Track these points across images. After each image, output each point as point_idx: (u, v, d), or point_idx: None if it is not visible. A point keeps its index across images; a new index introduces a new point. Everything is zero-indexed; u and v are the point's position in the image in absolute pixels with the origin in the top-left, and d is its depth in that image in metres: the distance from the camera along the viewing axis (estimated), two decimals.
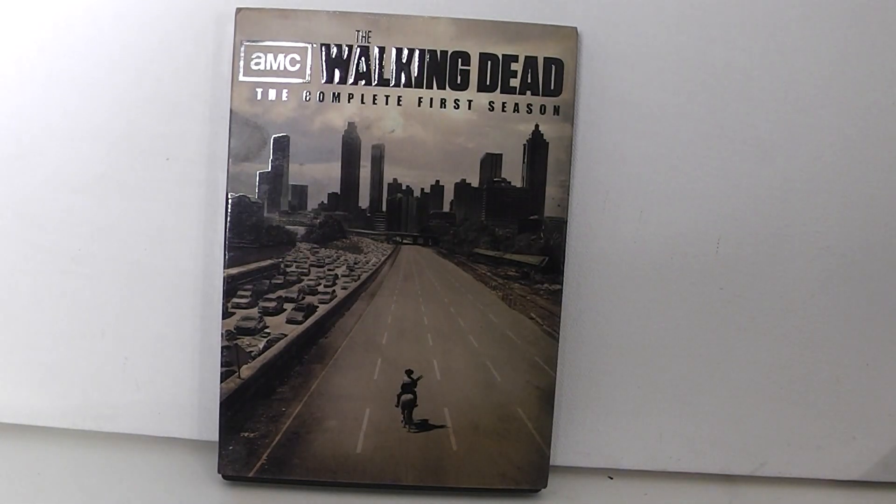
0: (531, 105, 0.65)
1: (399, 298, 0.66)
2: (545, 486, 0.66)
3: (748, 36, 0.66)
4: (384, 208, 0.65)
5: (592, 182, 0.67)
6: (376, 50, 0.64)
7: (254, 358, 0.65)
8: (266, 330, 0.65)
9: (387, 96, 0.64)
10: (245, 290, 0.65)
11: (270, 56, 0.64)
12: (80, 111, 0.67)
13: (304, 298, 0.66)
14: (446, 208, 0.66)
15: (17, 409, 0.70)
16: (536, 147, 0.65)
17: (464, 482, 0.65)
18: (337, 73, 0.64)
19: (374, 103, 0.64)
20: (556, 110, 0.65)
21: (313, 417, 0.65)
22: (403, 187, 0.65)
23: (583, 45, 0.66)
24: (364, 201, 0.65)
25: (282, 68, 0.64)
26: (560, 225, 0.66)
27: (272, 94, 0.64)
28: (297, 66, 0.64)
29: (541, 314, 0.66)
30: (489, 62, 0.64)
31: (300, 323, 0.66)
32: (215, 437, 0.65)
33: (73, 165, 0.67)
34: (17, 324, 0.69)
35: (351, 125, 0.64)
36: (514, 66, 0.64)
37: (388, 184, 0.65)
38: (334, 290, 0.67)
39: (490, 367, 0.66)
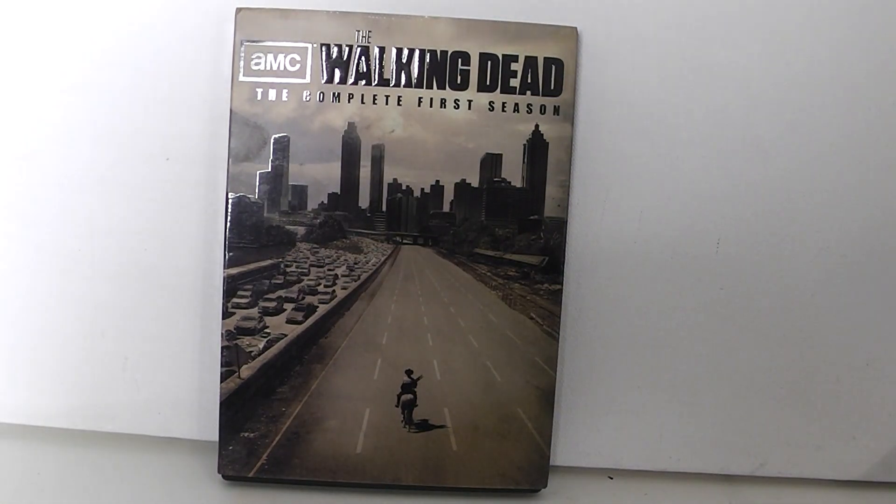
0: (531, 105, 0.65)
1: (399, 298, 0.66)
2: (545, 486, 0.66)
3: (748, 36, 0.66)
4: (384, 208, 0.65)
5: (592, 182, 0.67)
6: (376, 50, 0.64)
7: (254, 358, 0.65)
8: (266, 330, 0.65)
9: (387, 96, 0.64)
10: (245, 290, 0.65)
11: (270, 56, 0.64)
12: (80, 111, 0.67)
13: (304, 298, 0.66)
14: (446, 208, 0.66)
15: (17, 409, 0.70)
16: (536, 147, 0.65)
17: (464, 482, 0.65)
18: (337, 73, 0.64)
19: (374, 103, 0.64)
20: (556, 110, 0.65)
21: (313, 417, 0.65)
22: (403, 187, 0.65)
23: (583, 45, 0.66)
24: (364, 201, 0.65)
25: (282, 68, 0.64)
26: (560, 225, 0.66)
27: (272, 94, 0.64)
28: (297, 66, 0.64)
29: (541, 314, 0.66)
30: (489, 62, 0.64)
31: (300, 323, 0.66)
32: (215, 437, 0.65)
33: (73, 165, 0.67)
34: (17, 324, 0.69)
35: (351, 125, 0.64)
36: (514, 66, 0.64)
37: (388, 184, 0.65)
38: (334, 290, 0.67)
39: (490, 367, 0.66)
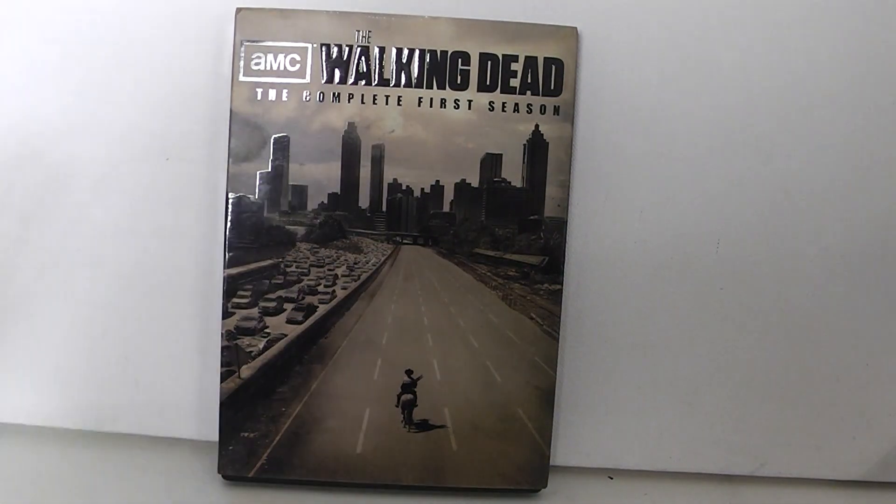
0: (531, 105, 0.65)
1: (399, 298, 0.66)
2: (545, 486, 0.66)
3: (748, 36, 0.66)
4: (384, 208, 0.65)
5: (592, 182, 0.67)
6: (376, 50, 0.64)
7: (254, 358, 0.65)
8: (266, 330, 0.65)
9: (387, 96, 0.64)
10: (245, 290, 0.65)
11: (270, 56, 0.64)
12: (80, 111, 0.67)
13: (304, 298, 0.66)
14: (446, 208, 0.66)
15: (17, 409, 0.70)
16: (536, 147, 0.65)
17: (464, 482, 0.65)
18: (337, 73, 0.64)
19: (374, 103, 0.64)
20: (556, 110, 0.65)
21: (313, 417, 0.65)
22: (403, 187, 0.65)
23: (583, 45, 0.66)
24: (364, 201, 0.65)
25: (282, 68, 0.64)
26: (560, 225, 0.66)
27: (272, 94, 0.64)
28: (297, 66, 0.64)
29: (541, 314, 0.66)
30: (489, 62, 0.64)
31: (300, 323, 0.66)
32: (215, 437, 0.65)
33: (73, 165, 0.67)
34: (17, 324, 0.69)
35: (351, 125, 0.64)
36: (514, 66, 0.64)
37: (388, 184, 0.65)
38: (334, 290, 0.67)
39: (490, 367, 0.66)
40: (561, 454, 0.70)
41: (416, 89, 0.64)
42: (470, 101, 0.64)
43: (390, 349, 0.65)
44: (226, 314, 0.65)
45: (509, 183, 0.65)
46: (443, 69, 0.64)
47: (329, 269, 0.66)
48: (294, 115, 0.64)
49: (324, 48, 0.64)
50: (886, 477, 0.71)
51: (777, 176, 0.68)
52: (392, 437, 0.65)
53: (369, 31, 0.64)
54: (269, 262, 0.65)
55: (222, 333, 0.65)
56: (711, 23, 0.66)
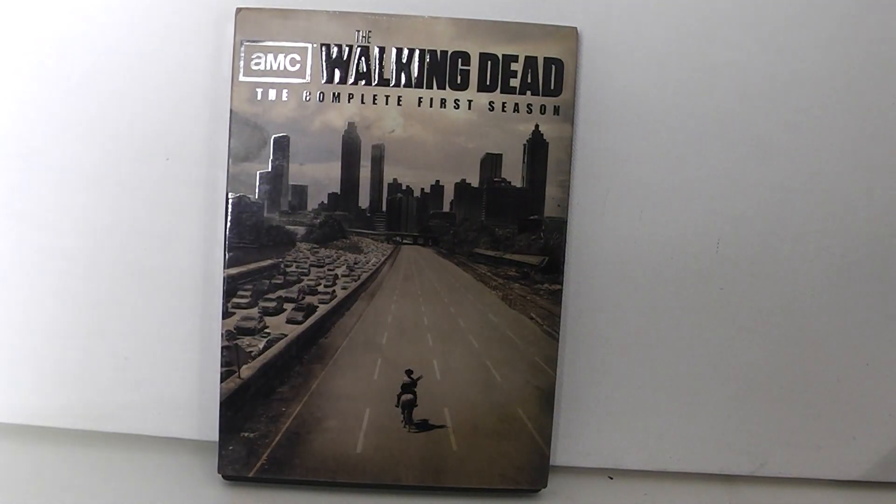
0: (531, 105, 0.65)
1: (399, 298, 0.66)
2: (545, 486, 0.66)
3: (748, 36, 0.66)
4: (384, 208, 0.66)
5: (592, 182, 0.67)
6: (376, 50, 0.64)
7: (254, 358, 0.65)
8: (266, 330, 0.65)
9: (387, 96, 0.64)
10: (245, 290, 0.65)
11: (270, 56, 0.64)
12: (79, 111, 0.67)
13: (304, 298, 0.66)
14: (446, 208, 0.66)
15: (17, 409, 0.70)
16: (536, 147, 0.65)
17: (464, 482, 0.65)
18: (337, 73, 0.64)
19: (374, 103, 0.64)
20: (556, 110, 0.65)
21: (313, 417, 0.65)
22: (403, 187, 0.65)
23: (583, 45, 0.66)
24: (364, 201, 0.65)
25: (282, 68, 0.64)
26: (560, 225, 0.66)
27: (272, 94, 0.64)
28: (297, 66, 0.64)
29: (541, 314, 0.66)
30: (489, 62, 0.64)
31: (300, 323, 0.66)
32: (215, 437, 0.65)
33: (72, 165, 0.67)
34: (16, 324, 0.69)
35: (351, 125, 0.64)
36: (514, 66, 0.64)
37: (388, 184, 0.65)
38: (334, 290, 0.67)
39: (490, 367, 0.66)
40: (561, 454, 0.70)
41: (416, 89, 0.64)
42: (470, 101, 0.64)
43: (390, 349, 0.65)
44: (226, 314, 0.65)
45: (509, 183, 0.65)
46: (443, 69, 0.64)
47: (329, 269, 0.66)
48: (294, 115, 0.64)
49: (324, 48, 0.64)
50: (886, 477, 0.71)
51: (777, 176, 0.68)
52: (392, 437, 0.65)
53: (369, 31, 0.64)
54: (269, 262, 0.65)
55: (222, 333, 0.65)
56: (711, 23, 0.66)
